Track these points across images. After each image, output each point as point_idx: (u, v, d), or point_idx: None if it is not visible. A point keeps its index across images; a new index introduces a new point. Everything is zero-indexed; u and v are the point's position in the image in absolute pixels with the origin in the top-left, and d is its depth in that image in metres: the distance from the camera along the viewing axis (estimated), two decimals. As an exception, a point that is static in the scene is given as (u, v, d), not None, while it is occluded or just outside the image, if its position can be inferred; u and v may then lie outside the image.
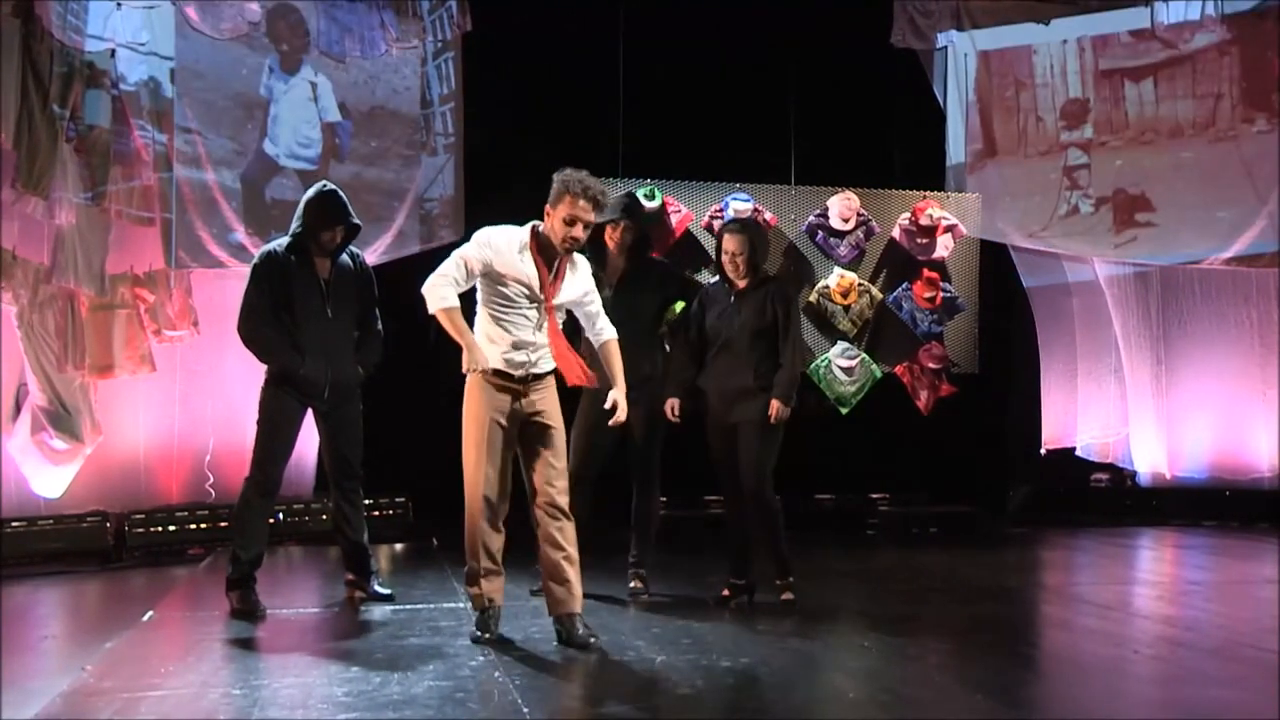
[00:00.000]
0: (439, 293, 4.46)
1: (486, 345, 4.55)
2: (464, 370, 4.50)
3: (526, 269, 4.52)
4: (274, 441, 5.25)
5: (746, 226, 5.62)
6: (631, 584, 5.68)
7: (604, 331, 4.83)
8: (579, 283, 4.70)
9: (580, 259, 4.76)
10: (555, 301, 4.58)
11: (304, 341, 5.20)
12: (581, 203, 4.46)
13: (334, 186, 5.35)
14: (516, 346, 4.56)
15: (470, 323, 4.61)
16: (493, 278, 4.52)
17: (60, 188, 6.91)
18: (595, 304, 4.81)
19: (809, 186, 8.63)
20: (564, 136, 8.29)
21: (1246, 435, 9.03)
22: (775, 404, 5.24)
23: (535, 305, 4.56)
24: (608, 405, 4.77)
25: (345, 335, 5.32)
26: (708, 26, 8.53)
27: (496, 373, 4.55)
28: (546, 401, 4.66)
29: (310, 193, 5.31)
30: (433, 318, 4.51)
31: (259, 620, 5.09)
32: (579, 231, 4.50)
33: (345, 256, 5.34)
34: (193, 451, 7.77)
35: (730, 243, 5.36)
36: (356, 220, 5.34)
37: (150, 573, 6.86)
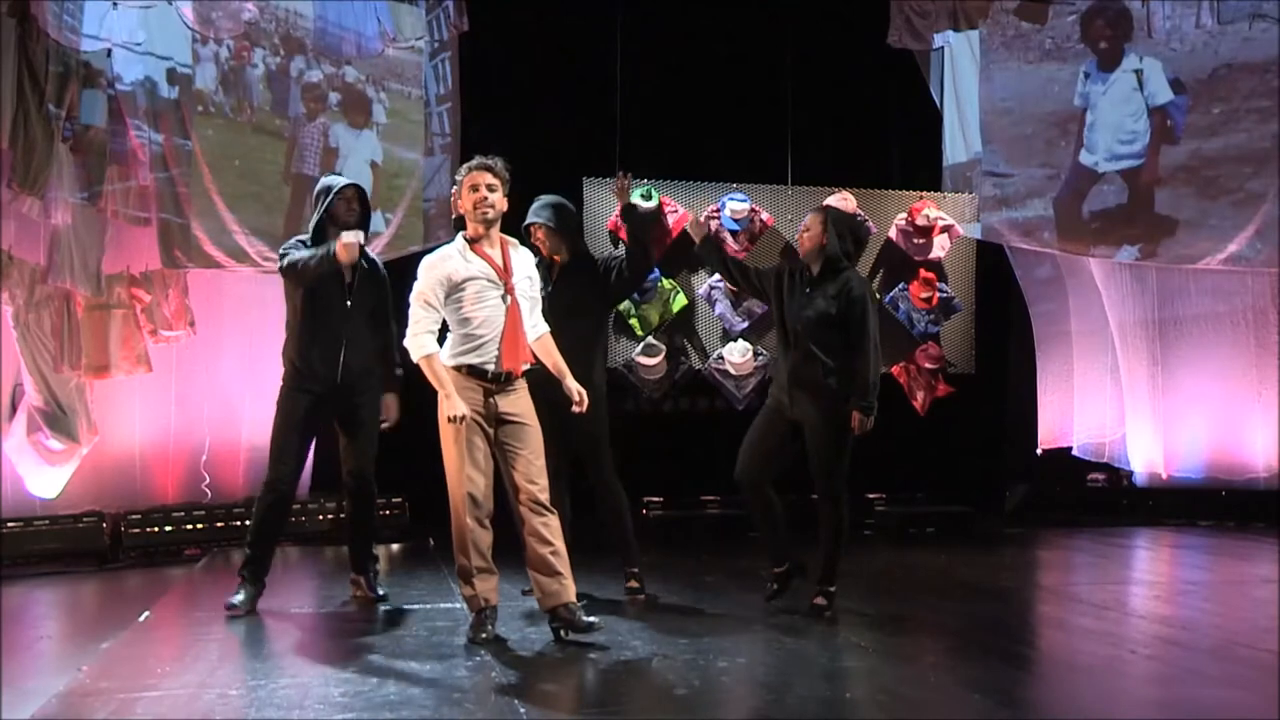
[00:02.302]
0: (417, 343, 4.58)
1: (462, 349, 4.62)
2: (446, 419, 4.54)
3: (476, 265, 4.64)
4: (284, 438, 5.29)
5: (837, 213, 5.36)
6: (628, 584, 5.65)
7: (538, 326, 4.89)
8: (525, 264, 4.80)
9: (523, 247, 4.89)
10: (513, 281, 4.67)
11: (320, 330, 5.27)
12: (471, 173, 4.67)
13: (334, 177, 5.49)
14: (490, 344, 4.62)
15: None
16: (455, 290, 4.60)
17: (56, 187, 6.90)
18: (536, 292, 4.88)
19: (806, 187, 8.63)
20: (561, 136, 8.30)
21: (1242, 435, 9.04)
22: (856, 417, 5.03)
23: (499, 293, 4.64)
24: (574, 396, 4.80)
25: (361, 328, 5.38)
26: (704, 26, 8.54)
27: (470, 370, 4.62)
28: (520, 402, 4.72)
29: (316, 186, 5.48)
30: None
31: (232, 617, 5.12)
32: (484, 193, 4.65)
33: (363, 260, 5.38)
34: (189, 452, 7.76)
35: (807, 219, 5.30)
36: (355, 182, 5.41)
37: (146, 573, 6.86)
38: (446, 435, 4.60)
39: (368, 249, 5.46)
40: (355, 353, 5.33)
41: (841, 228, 5.26)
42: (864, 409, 5.05)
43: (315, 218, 5.31)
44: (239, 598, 5.21)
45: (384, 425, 5.56)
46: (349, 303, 5.31)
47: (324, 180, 5.45)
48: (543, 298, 5.25)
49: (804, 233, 5.27)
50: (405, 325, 4.66)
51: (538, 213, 5.55)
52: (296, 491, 5.58)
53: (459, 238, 4.72)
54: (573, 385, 4.84)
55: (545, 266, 5.53)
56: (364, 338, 5.38)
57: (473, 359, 4.62)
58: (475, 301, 4.61)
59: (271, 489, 5.28)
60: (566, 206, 5.67)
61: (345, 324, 5.30)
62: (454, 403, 4.52)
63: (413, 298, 4.63)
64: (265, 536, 5.31)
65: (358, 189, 5.38)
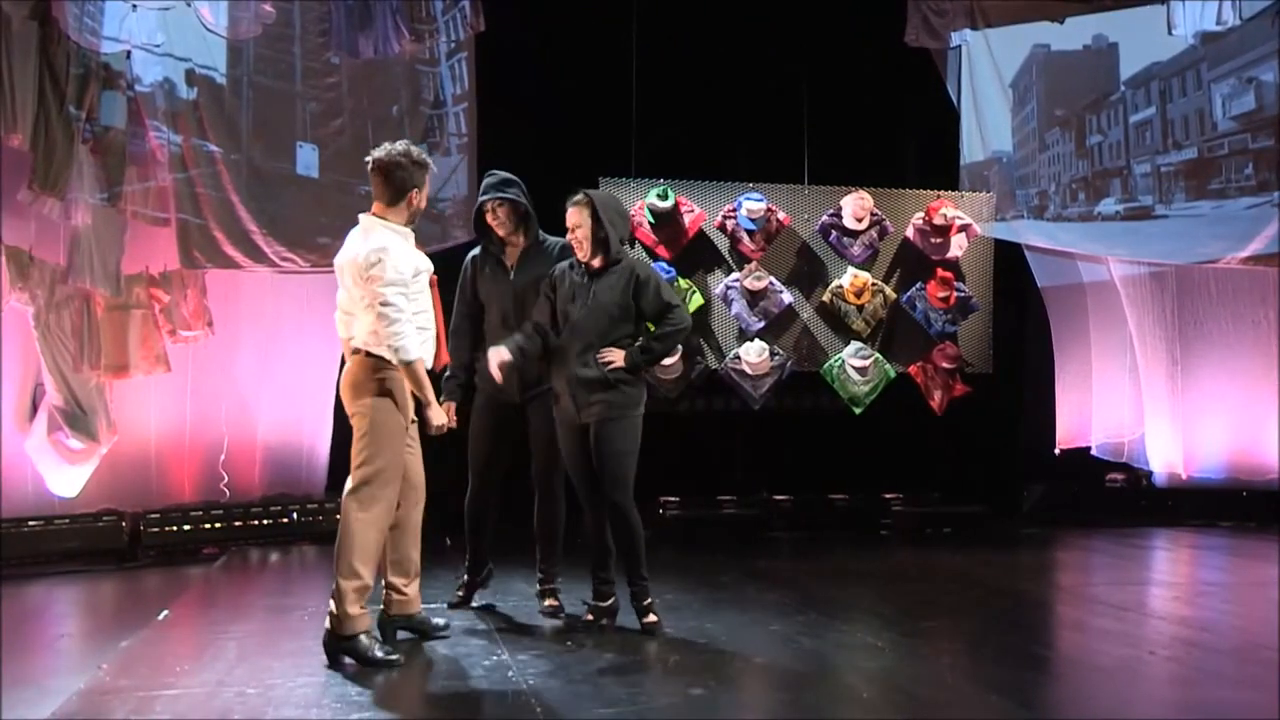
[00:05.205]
0: (413, 342, 4.34)
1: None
2: (437, 427, 4.47)
3: (421, 257, 4.53)
4: None
5: (592, 197, 4.77)
6: (546, 603, 5.20)
7: None
8: None
9: None
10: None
11: None
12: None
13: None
14: (430, 340, 4.51)
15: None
16: (414, 280, 4.41)
17: (76, 188, 6.95)
18: None
19: (822, 186, 8.61)
20: (577, 136, 8.29)
21: (1263, 435, 8.98)
22: (620, 354, 4.69)
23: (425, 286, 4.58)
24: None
25: None
26: (721, 26, 8.53)
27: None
28: None
29: None
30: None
31: None
32: None
33: None
34: (206, 450, 7.80)
35: (570, 216, 4.77)
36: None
37: (165, 572, 6.89)
38: (393, 433, 4.37)
39: None
40: None
41: (610, 213, 4.76)
42: (634, 362, 4.72)
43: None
44: None
45: None
46: None
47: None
48: (498, 284, 5.11)
49: (574, 230, 4.75)
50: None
51: (501, 189, 5.08)
52: None
53: (396, 226, 4.39)
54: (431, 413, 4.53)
55: (496, 254, 5.19)
56: None
57: (425, 355, 4.43)
58: (424, 294, 4.44)
59: None
60: (520, 184, 5.16)
61: None
62: (438, 410, 4.45)
63: (392, 286, 4.25)
64: None
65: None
